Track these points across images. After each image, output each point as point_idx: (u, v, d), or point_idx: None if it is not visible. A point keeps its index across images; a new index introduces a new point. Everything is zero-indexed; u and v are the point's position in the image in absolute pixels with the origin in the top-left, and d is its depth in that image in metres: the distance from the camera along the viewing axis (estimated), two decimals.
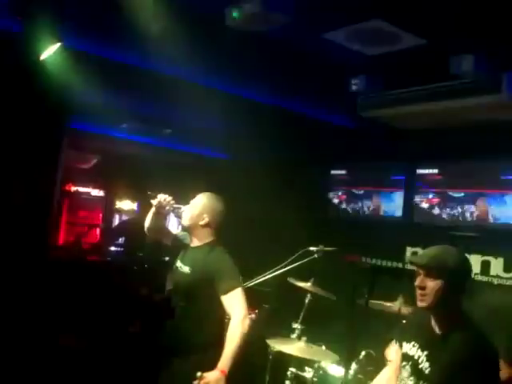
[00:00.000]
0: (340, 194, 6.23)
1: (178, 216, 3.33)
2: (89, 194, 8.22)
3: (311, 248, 3.76)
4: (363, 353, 3.60)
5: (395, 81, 4.49)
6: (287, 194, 6.49)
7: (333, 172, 6.33)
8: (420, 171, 5.41)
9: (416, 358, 2.36)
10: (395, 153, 5.71)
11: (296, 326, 3.92)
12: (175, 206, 3.30)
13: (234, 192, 6.05)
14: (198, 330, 3.08)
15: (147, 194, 3.30)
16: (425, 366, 2.30)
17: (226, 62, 4.53)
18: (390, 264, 5.56)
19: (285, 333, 4.01)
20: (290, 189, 6.51)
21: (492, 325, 3.94)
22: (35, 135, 4.88)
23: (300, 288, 4.12)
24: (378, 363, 2.83)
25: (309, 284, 4.09)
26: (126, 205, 8.58)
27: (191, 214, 3.25)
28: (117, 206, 8.52)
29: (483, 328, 2.37)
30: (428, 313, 2.39)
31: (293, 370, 3.82)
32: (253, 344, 3.17)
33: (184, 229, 3.37)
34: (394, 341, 2.62)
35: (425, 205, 5.32)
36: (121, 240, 7.42)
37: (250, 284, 3.81)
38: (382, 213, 5.76)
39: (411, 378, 2.35)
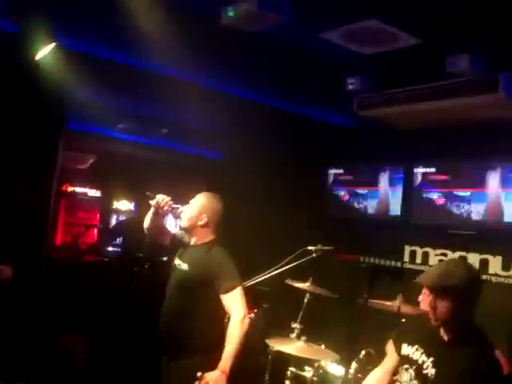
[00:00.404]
0: (338, 193, 6.23)
1: (177, 216, 3.33)
2: (86, 194, 8.20)
3: (309, 247, 3.76)
4: (363, 352, 3.61)
5: (392, 80, 4.50)
6: (284, 194, 6.49)
7: (330, 171, 6.33)
8: (417, 170, 5.42)
9: (420, 362, 2.35)
10: (393, 152, 5.71)
11: (295, 325, 3.92)
12: (173, 206, 3.30)
13: (232, 192, 6.04)
14: (196, 329, 3.08)
15: (146, 194, 3.30)
16: (430, 372, 2.30)
17: (222, 62, 4.52)
18: (388, 263, 5.56)
19: (284, 332, 4.01)
20: (288, 188, 6.51)
21: (491, 323, 3.95)
22: (31, 136, 4.86)
23: (299, 287, 4.12)
24: (377, 362, 2.82)
25: (307, 284, 4.09)
26: (123, 205, 8.56)
27: (190, 215, 3.25)
28: (114, 207, 8.50)
29: (481, 326, 2.38)
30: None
31: (292, 369, 3.82)
32: (252, 344, 3.16)
33: (182, 228, 3.37)
34: (390, 340, 2.61)
35: (423, 204, 5.32)
36: (118, 240, 7.40)
37: (249, 284, 3.81)
38: (380, 212, 5.76)
39: (414, 382, 2.35)
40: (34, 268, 4.83)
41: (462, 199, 5.03)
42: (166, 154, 7.98)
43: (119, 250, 7.23)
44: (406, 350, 2.45)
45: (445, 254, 5.13)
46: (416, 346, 2.41)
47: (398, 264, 5.48)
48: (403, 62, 4.15)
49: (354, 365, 3.52)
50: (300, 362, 3.81)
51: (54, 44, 4.15)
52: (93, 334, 4.61)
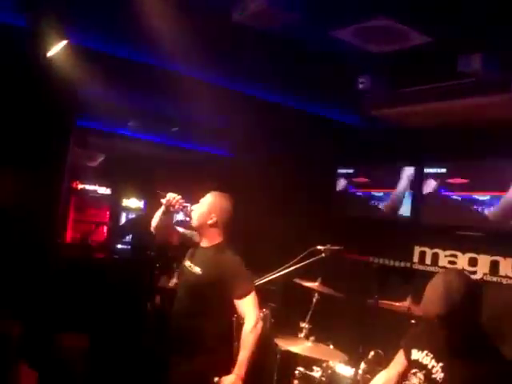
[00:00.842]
0: (347, 193, 6.20)
1: (187, 215, 3.33)
2: (96, 191, 8.23)
3: (319, 247, 3.74)
4: (372, 352, 3.59)
5: (403, 79, 4.47)
6: (294, 193, 6.48)
7: (341, 171, 6.30)
8: (428, 170, 5.38)
9: (430, 367, 2.35)
10: (403, 152, 5.67)
11: (304, 325, 3.90)
12: (184, 204, 3.30)
13: (243, 191, 6.04)
14: (206, 330, 3.09)
15: (156, 192, 3.29)
16: (439, 376, 2.30)
17: (233, 60, 4.52)
18: (398, 264, 5.54)
19: (293, 332, 3.99)
20: (297, 187, 6.50)
21: (502, 325, 3.93)
22: (42, 133, 4.89)
23: (308, 287, 4.11)
24: (386, 363, 2.81)
25: (316, 283, 4.08)
26: (133, 203, 8.59)
27: (199, 213, 3.24)
28: (124, 204, 8.53)
29: (493, 328, 2.37)
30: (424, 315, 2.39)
31: (301, 369, 3.81)
32: (261, 343, 3.17)
33: (193, 227, 3.36)
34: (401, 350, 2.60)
35: (433, 204, 5.29)
36: (128, 238, 7.43)
37: (258, 283, 3.80)
38: (389, 212, 5.73)
39: None
40: (42, 265, 4.86)
41: (473, 200, 4.98)
42: (177, 152, 8.00)
43: (129, 247, 7.25)
44: (416, 355, 2.45)
45: (455, 255, 5.09)
46: (426, 352, 2.41)
47: (408, 265, 5.45)
48: (415, 61, 4.12)
49: (362, 365, 3.50)
50: (308, 362, 3.80)
51: (65, 41, 4.16)
52: (96, 334, 4.62)
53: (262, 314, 4.82)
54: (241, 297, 3.06)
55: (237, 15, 3.50)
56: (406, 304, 3.82)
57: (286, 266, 3.72)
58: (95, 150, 7.89)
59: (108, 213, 8.38)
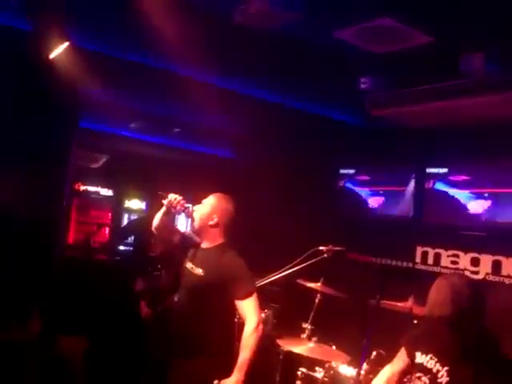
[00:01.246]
0: (349, 193, 6.20)
1: (189, 216, 3.33)
2: (98, 193, 8.23)
3: (321, 247, 3.74)
4: (374, 353, 3.59)
5: (405, 79, 4.46)
6: (296, 194, 6.48)
7: (342, 171, 6.30)
8: (430, 170, 5.37)
9: (435, 371, 2.35)
10: (405, 151, 5.67)
11: (306, 325, 3.90)
12: (186, 205, 3.30)
13: (244, 191, 6.04)
14: (208, 332, 3.09)
15: (158, 193, 3.30)
16: (445, 380, 2.30)
17: (234, 61, 4.52)
18: (400, 264, 5.53)
19: (295, 333, 3.99)
20: (299, 188, 6.49)
21: (504, 325, 3.91)
22: (44, 134, 4.90)
23: (310, 288, 4.11)
24: (388, 363, 2.81)
25: (319, 284, 4.08)
26: (135, 204, 8.59)
27: (201, 215, 3.24)
28: (126, 206, 8.54)
29: (494, 328, 2.37)
30: (444, 326, 2.38)
31: (303, 370, 3.81)
32: (263, 344, 3.16)
33: (195, 230, 3.37)
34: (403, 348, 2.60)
35: (435, 204, 5.28)
36: (130, 239, 7.43)
37: (261, 284, 3.80)
38: (392, 212, 5.72)
39: None
40: (46, 266, 4.87)
41: (476, 200, 4.97)
42: (179, 154, 8.00)
43: (131, 248, 7.25)
44: (420, 358, 2.44)
45: (457, 255, 5.08)
46: (430, 355, 2.40)
47: (410, 265, 5.44)
48: (416, 61, 4.11)
49: (365, 366, 3.50)
50: (311, 363, 3.80)
51: (67, 43, 4.17)
52: (97, 335, 4.62)
53: (264, 315, 4.86)
54: (242, 298, 3.05)
55: (238, 15, 3.49)
56: (408, 304, 3.81)
57: (288, 266, 3.73)
58: (97, 151, 7.91)
59: (110, 214, 8.39)
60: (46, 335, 4.40)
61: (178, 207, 3.24)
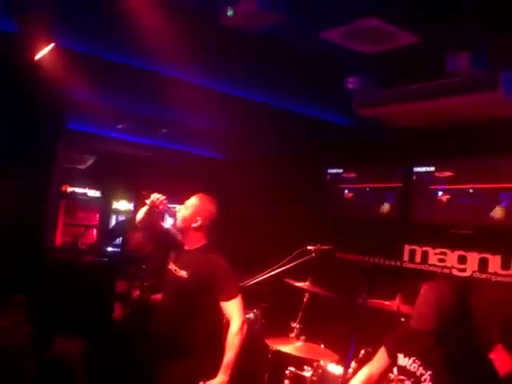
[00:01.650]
0: (337, 192, 6.22)
1: (172, 216, 3.32)
2: (85, 194, 8.20)
3: (309, 247, 3.75)
4: (362, 351, 3.60)
5: (392, 79, 4.49)
6: (284, 194, 6.49)
7: (330, 171, 6.32)
8: (417, 169, 5.41)
9: (418, 375, 2.36)
10: (392, 151, 5.70)
11: (294, 325, 3.91)
12: (169, 206, 3.29)
13: (232, 192, 6.05)
14: (193, 333, 3.09)
15: (141, 193, 3.29)
16: None
17: (221, 61, 4.51)
18: (388, 262, 5.55)
19: (283, 332, 4.00)
20: (287, 188, 6.51)
21: (490, 322, 3.95)
22: (31, 136, 4.86)
23: (298, 287, 4.11)
24: None
25: (307, 283, 4.08)
26: (123, 205, 8.56)
27: (184, 216, 3.22)
28: (113, 207, 8.50)
29: (482, 325, 2.39)
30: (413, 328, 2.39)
31: (292, 369, 3.81)
32: (252, 343, 3.17)
33: (177, 228, 3.36)
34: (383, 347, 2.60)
35: (422, 203, 5.31)
36: (118, 241, 7.40)
37: (249, 283, 3.81)
38: (379, 211, 5.75)
39: None
40: (33, 268, 4.83)
41: (462, 198, 5.01)
42: (166, 154, 7.98)
43: (119, 250, 7.22)
44: (403, 361, 2.44)
45: (444, 253, 5.12)
46: (413, 358, 2.40)
47: (398, 263, 5.47)
48: (403, 61, 4.13)
49: (353, 364, 3.51)
50: (299, 362, 3.81)
51: (53, 44, 4.14)
52: (89, 338, 4.59)
53: (252, 315, 4.86)
54: (227, 299, 3.06)
55: (225, 16, 3.49)
56: (395, 303, 3.83)
57: (277, 266, 3.73)
58: (85, 152, 7.87)
59: (98, 216, 8.35)
60: (37, 337, 4.37)
61: (160, 207, 3.23)
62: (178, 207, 3.30)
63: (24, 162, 4.83)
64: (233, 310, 3.05)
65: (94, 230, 8.21)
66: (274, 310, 5.04)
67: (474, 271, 4.85)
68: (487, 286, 4.66)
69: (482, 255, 4.82)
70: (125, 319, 4.49)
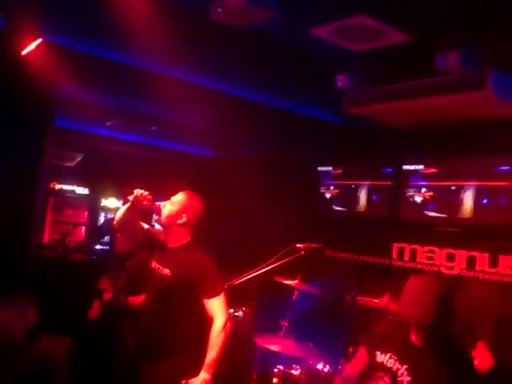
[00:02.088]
0: (327, 190, 6.22)
1: (156, 212, 3.28)
2: (73, 192, 8.14)
3: (298, 245, 3.75)
4: (351, 349, 3.61)
5: (382, 77, 4.49)
6: (273, 191, 6.48)
7: (320, 169, 6.32)
8: (406, 167, 5.42)
9: (395, 369, 2.39)
10: (382, 149, 5.71)
11: (283, 323, 3.91)
12: (156, 203, 3.25)
13: (221, 190, 6.03)
14: (177, 332, 3.07)
15: (123, 189, 3.25)
16: (406, 379, 2.34)
17: (211, 59, 4.49)
18: (376, 260, 5.56)
19: (273, 330, 4.00)
20: (277, 186, 6.50)
21: (478, 319, 3.97)
22: (18, 133, 4.81)
23: (287, 285, 4.11)
24: None
25: (296, 281, 4.08)
26: (112, 203, 8.51)
27: (169, 212, 3.19)
28: (102, 204, 8.45)
29: (469, 322, 2.41)
30: (405, 325, 2.42)
31: (280, 367, 3.82)
32: (240, 342, 3.16)
33: (160, 225, 3.31)
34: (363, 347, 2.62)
35: (411, 201, 5.33)
36: (106, 238, 7.35)
37: (238, 282, 3.79)
38: (368, 209, 5.76)
39: None
40: (19, 266, 4.78)
41: (451, 197, 5.03)
42: (156, 152, 7.94)
43: (107, 247, 7.17)
44: (380, 357, 2.47)
45: (432, 251, 5.14)
46: (389, 354, 2.43)
47: (387, 261, 5.48)
48: (393, 59, 4.14)
49: (341, 362, 3.52)
50: (288, 360, 3.81)
51: (40, 39, 4.10)
52: (76, 336, 4.55)
53: (241, 313, 4.85)
54: (211, 297, 3.03)
55: (215, 13, 3.47)
56: (384, 301, 3.85)
57: (266, 264, 3.72)
58: (73, 149, 7.81)
59: (86, 213, 8.30)
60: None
61: (144, 202, 3.17)
62: (162, 203, 3.26)
63: (11, 159, 4.78)
64: (216, 307, 3.02)
65: (83, 228, 8.16)
66: (263, 308, 5.03)
67: (462, 269, 4.88)
68: (475, 284, 4.69)
69: (470, 253, 4.85)
70: (100, 319, 4.45)
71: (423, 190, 5.25)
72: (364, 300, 3.86)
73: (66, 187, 8.05)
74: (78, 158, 7.91)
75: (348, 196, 5.97)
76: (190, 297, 3.05)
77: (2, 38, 4.08)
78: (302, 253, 3.73)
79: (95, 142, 7.56)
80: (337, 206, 6.07)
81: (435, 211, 5.12)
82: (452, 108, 4.36)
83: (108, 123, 6.61)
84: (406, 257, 5.33)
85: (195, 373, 2.92)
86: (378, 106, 4.56)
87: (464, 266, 4.87)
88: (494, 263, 4.67)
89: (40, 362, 4.18)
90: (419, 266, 5.17)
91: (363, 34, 3.77)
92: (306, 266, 3.96)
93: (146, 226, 3.40)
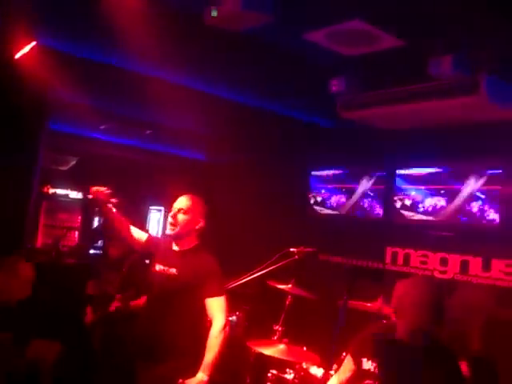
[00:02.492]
0: (320, 194, 6.23)
1: (115, 207, 3.28)
2: (67, 196, 8.11)
3: (291, 249, 3.74)
4: (344, 354, 3.59)
5: (376, 82, 4.51)
6: (267, 196, 6.48)
7: (313, 173, 6.33)
8: (400, 171, 5.43)
9: None
10: (375, 153, 5.73)
11: (277, 327, 3.89)
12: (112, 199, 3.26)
13: (214, 193, 6.02)
14: (180, 333, 3.09)
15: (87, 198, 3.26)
16: None
17: (205, 63, 4.50)
18: (370, 264, 5.57)
19: (266, 334, 3.98)
20: (270, 190, 6.50)
21: (471, 323, 3.98)
22: (12, 137, 4.79)
23: (281, 289, 4.10)
24: None
25: (289, 285, 4.07)
26: None
27: (185, 222, 3.21)
28: (96, 209, 8.42)
29: (460, 327, 2.41)
30: (391, 328, 2.41)
31: (274, 371, 3.80)
32: (234, 346, 3.16)
33: (174, 235, 3.32)
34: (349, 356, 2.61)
35: (404, 205, 5.34)
36: (100, 243, 7.32)
37: (232, 286, 3.79)
38: (362, 213, 5.77)
39: None
40: None
41: (442, 201, 5.04)
42: (150, 156, 7.93)
43: (101, 252, 7.14)
44: (366, 364, 2.45)
45: (426, 256, 5.15)
46: (377, 359, 2.41)
47: (380, 265, 5.48)
48: (387, 64, 4.16)
49: (335, 366, 3.51)
50: (282, 365, 3.80)
51: (34, 42, 4.09)
52: (67, 341, 4.52)
53: (235, 318, 4.84)
54: (213, 295, 3.07)
55: (209, 17, 3.47)
56: (377, 304, 3.84)
57: (259, 268, 3.72)
58: (67, 153, 7.79)
59: (80, 217, 8.27)
60: (15, 339, 4.30)
61: (103, 198, 3.22)
62: (169, 211, 3.28)
63: (5, 163, 4.76)
64: (216, 308, 3.06)
65: (76, 232, 8.13)
66: (257, 312, 5.02)
67: (455, 273, 4.88)
68: (468, 288, 4.70)
69: (464, 257, 4.86)
70: (95, 323, 4.44)
71: (415, 193, 5.27)
72: (358, 304, 3.86)
73: (59, 191, 8.03)
74: (72, 162, 7.90)
75: (341, 200, 5.98)
76: (193, 296, 3.08)
77: None
78: (296, 257, 3.73)
79: (89, 146, 7.55)
80: (329, 209, 6.07)
81: (427, 215, 5.13)
82: (446, 112, 4.38)
83: (102, 127, 6.60)
84: (400, 261, 5.34)
85: (192, 374, 2.92)
86: (371, 111, 4.58)
87: (457, 270, 4.88)
88: (487, 267, 4.68)
89: (28, 365, 4.16)
90: (413, 271, 5.18)
91: (357, 38, 3.78)
92: (299, 270, 3.95)
93: (145, 234, 3.42)
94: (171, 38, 3.86)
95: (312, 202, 6.27)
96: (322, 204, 6.19)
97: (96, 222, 8.35)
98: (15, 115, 4.76)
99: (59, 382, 4.40)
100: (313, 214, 6.22)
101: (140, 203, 7.88)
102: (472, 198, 4.85)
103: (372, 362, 2.43)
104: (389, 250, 5.43)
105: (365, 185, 5.80)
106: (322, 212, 6.15)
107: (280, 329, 3.87)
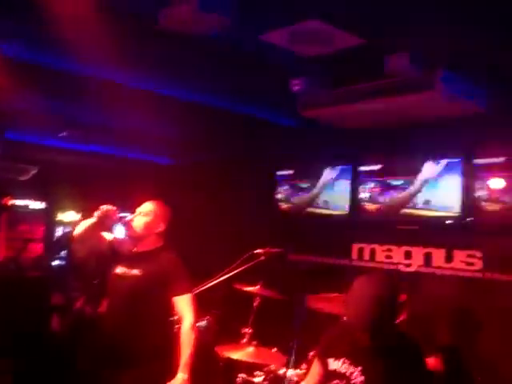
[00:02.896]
0: (286, 193, 6.23)
1: (125, 225, 3.32)
2: (27, 206, 7.89)
3: (257, 250, 3.74)
4: (311, 353, 3.60)
5: (335, 80, 4.54)
6: (233, 196, 6.46)
7: (278, 172, 6.33)
8: (363, 168, 5.48)
9: (348, 374, 2.37)
10: (338, 151, 5.77)
11: (246, 330, 3.88)
12: (121, 215, 3.29)
13: (180, 197, 5.97)
14: (151, 335, 3.05)
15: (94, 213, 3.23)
16: (359, 379, 2.32)
17: (166, 65, 4.45)
18: (336, 262, 5.59)
19: (236, 338, 3.96)
20: (236, 191, 6.48)
21: (435, 315, 4.03)
22: None
23: (249, 291, 4.08)
24: None
25: (257, 287, 4.06)
26: (70, 216, 8.29)
27: (146, 224, 3.26)
28: (59, 218, 8.23)
29: (427, 320, 2.44)
30: (350, 325, 2.42)
31: (242, 375, 3.78)
32: (205, 351, 3.14)
33: (133, 236, 3.31)
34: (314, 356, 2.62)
35: (368, 201, 5.38)
36: (63, 253, 7.17)
37: (199, 290, 3.76)
38: (327, 211, 5.79)
39: None
40: None
41: (402, 194, 5.09)
42: (113, 162, 7.80)
43: (64, 263, 6.99)
44: (333, 364, 2.45)
45: (390, 250, 5.20)
46: (343, 359, 2.42)
47: (347, 262, 5.51)
48: (346, 62, 4.19)
49: (304, 366, 3.51)
50: (251, 368, 3.78)
51: None
52: (21, 359, 4.40)
53: (205, 322, 4.80)
54: (180, 293, 3.09)
55: (164, 20, 3.43)
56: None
57: (226, 271, 3.71)
58: (26, 163, 7.59)
59: (43, 228, 8.06)
60: None
61: (114, 217, 3.22)
62: (128, 216, 3.29)
63: None
64: (185, 305, 3.07)
65: (39, 244, 7.91)
66: (226, 316, 4.99)
67: (419, 266, 4.94)
68: (432, 280, 4.76)
69: (427, 250, 4.92)
70: (64, 330, 4.35)
71: (377, 188, 5.31)
72: (318, 302, 3.85)
73: (18, 202, 7.79)
74: (33, 172, 7.69)
75: (307, 198, 5.99)
76: (160, 296, 3.09)
77: None
78: (263, 258, 3.73)
79: (50, 154, 7.37)
80: (296, 208, 6.07)
81: (392, 210, 5.17)
82: (405, 109, 4.44)
83: (61, 134, 6.46)
84: (366, 256, 5.38)
85: (167, 377, 2.91)
86: (331, 109, 4.62)
87: (421, 262, 4.94)
88: (449, 259, 4.75)
89: None
90: (378, 265, 5.23)
91: (315, 38, 3.80)
92: (268, 270, 3.95)
93: (109, 236, 3.42)
94: (127, 42, 3.80)
95: (278, 201, 6.25)
96: (288, 203, 6.18)
97: (59, 232, 8.14)
98: None
99: None
100: (279, 214, 6.20)
101: None
102: (430, 189, 4.90)
103: (338, 361, 2.42)
104: (355, 247, 5.46)
105: (329, 182, 5.80)
106: (288, 211, 6.14)
107: (249, 331, 3.86)
